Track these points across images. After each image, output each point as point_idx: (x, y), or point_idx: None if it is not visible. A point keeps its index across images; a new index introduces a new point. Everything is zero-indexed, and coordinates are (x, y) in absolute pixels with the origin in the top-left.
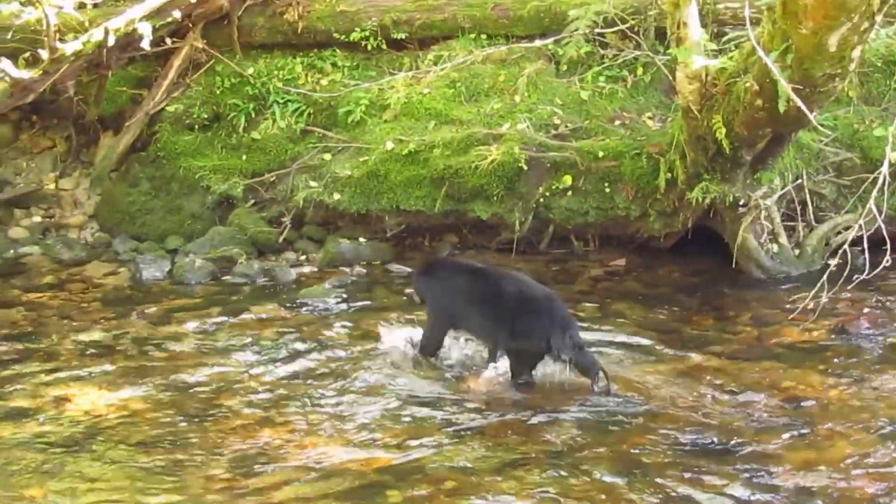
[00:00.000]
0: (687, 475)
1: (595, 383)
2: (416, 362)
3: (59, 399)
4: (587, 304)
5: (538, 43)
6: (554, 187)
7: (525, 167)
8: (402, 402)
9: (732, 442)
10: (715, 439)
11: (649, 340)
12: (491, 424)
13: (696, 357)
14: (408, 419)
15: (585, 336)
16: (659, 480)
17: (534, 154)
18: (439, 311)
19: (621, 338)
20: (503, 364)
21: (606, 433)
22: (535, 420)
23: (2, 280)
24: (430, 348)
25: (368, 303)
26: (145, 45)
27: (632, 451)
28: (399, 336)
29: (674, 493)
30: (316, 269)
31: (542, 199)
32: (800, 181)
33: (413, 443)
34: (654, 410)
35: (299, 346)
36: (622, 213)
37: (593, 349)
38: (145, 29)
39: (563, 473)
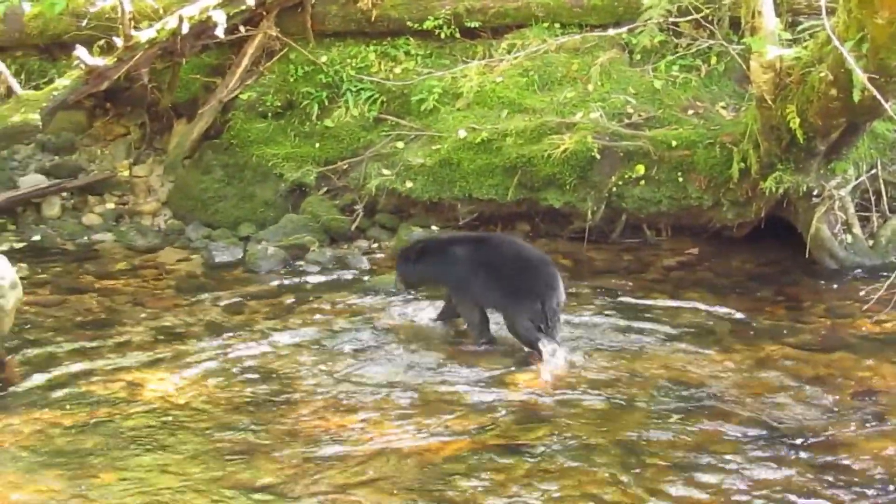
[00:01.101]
0: (758, 464)
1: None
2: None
3: (131, 385)
4: (659, 294)
5: (612, 32)
6: (627, 176)
7: (598, 156)
8: (470, 387)
9: (805, 431)
10: (787, 429)
11: (722, 330)
12: (560, 410)
13: (768, 347)
14: (477, 404)
15: (657, 326)
16: (731, 467)
17: (606, 143)
18: (464, 290)
19: (694, 327)
20: (560, 354)
21: (678, 421)
22: (604, 406)
23: (76, 266)
24: (478, 331)
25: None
26: (219, 32)
27: (702, 439)
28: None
29: (748, 480)
30: (388, 257)
31: (614, 189)
32: (874, 171)
33: (482, 428)
34: (726, 399)
35: (370, 333)
36: (695, 203)
37: (665, 338)
38: (219, 17)
39: (632, 461)
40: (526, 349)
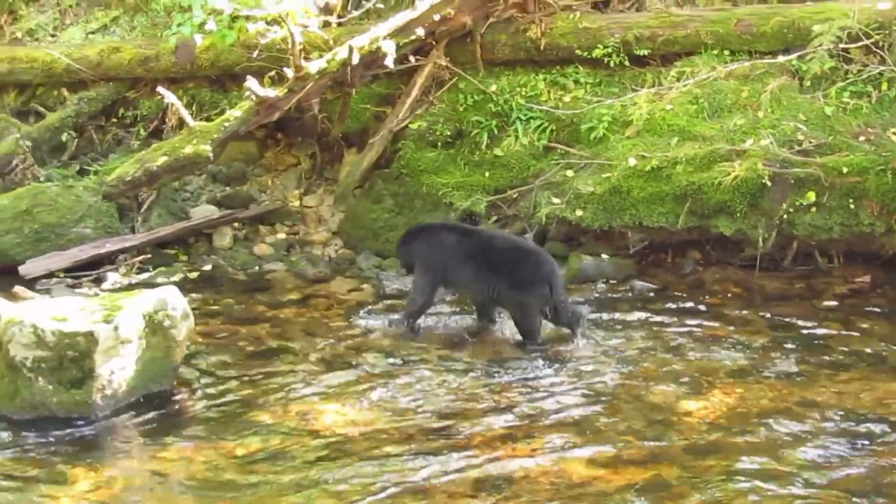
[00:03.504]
0: None
1: (577, 336)
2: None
3: (302, 414)
4: (832, 322)
5: (781, 59)
6: (797, 203)
7: (768, 183)
8: (647, 422)
9: None
10: None
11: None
12: (731, 441)
13: None
14: (647, 432)
15: (830, 354)
16: None
17: (777, 170)
18: (429, 269)
19: (866, 355)
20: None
21: (850, 451)
22: (775, 435)
23: (248, 296)
24: (417, 308)
25: (611, 320)
26: (389, 62)
27: (876, 472)
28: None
29: None
30: None
31: (785, 216)
32: None
33: (656, 457)
34: None
35: (544, 362)
36: (867, 230)
37: (838, 366)
38: (389, 47)
39: (813, 489)
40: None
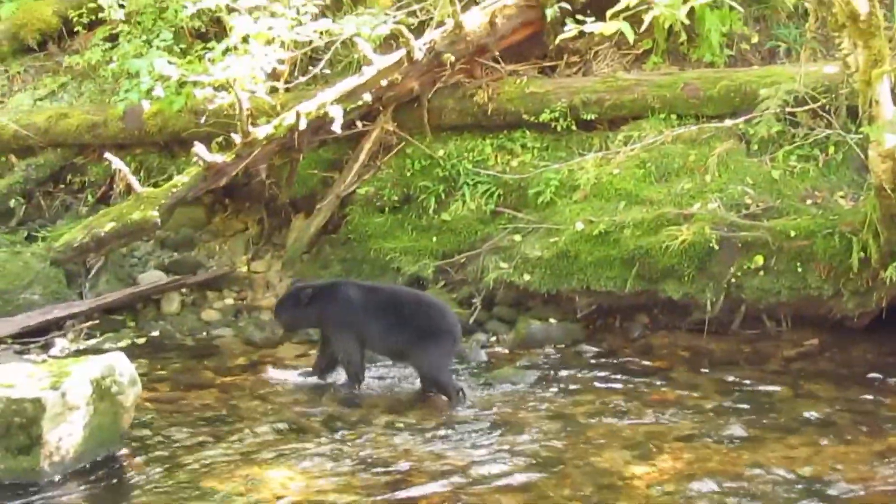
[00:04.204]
0: None
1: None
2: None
3: (251, 479)
4: (780, 384)
5: (729, 122)
6: (746, 267)
7: (716, 247)
8: (595, 486)
9: None
10: None
11: (844, 421)
12: None
13: (892, 438)
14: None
15: (778, 417)
16: None
17: (725, 234)
18: (348, 331)
19: (815, 418)
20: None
21: None
22: (725, 499)
23: (195, 361)
24: (355, 371)
25: (560, 384)
26: (336, 128)
27: None
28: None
29: None
30: (507, 350)
31: (733, 279)
32: None
33: None
34: (852, 491)
35: (491, 426)
36: (815, 293)
37: (786, 430)
38: (336, 112)
39: None
40: (433, 391)
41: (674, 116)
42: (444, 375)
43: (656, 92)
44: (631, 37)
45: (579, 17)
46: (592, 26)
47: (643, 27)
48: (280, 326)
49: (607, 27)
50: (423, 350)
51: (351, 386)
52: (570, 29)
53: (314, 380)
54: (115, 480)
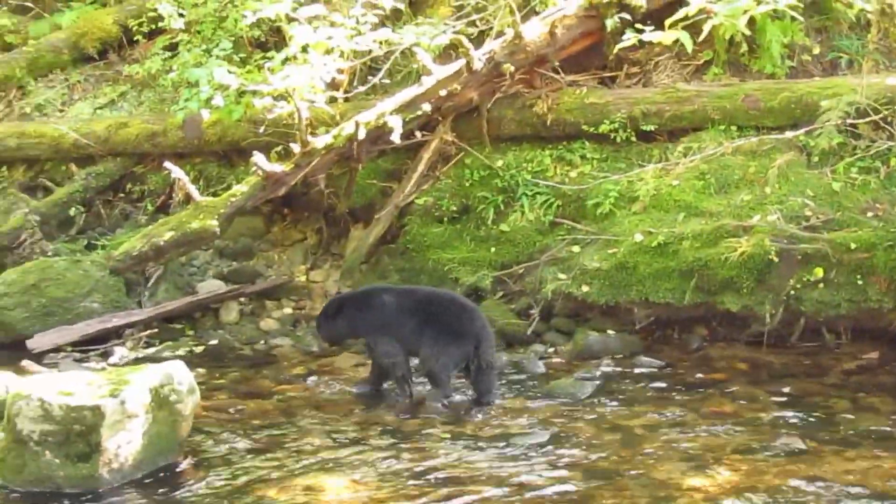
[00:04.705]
0: None
1: (486, 405)
2: None
3: (308, 489)
4: (838, 398)
5: (789, 134)
6: (805, 279)
7: (776, 259)
8: (652, 498)
9: None
10: None
11: None
12: None
13: None
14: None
15: (837, 431)
16: None
17: (784, 246)
18: (383, 335)
19: (874, 432)
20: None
21: None
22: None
23: (253, 371)
24: (402, 374)
25: (617, 396)
26: (395, 137)
27: None
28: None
29: None
30: (564, 361)
31: (792, 291)
32: None
33: None
34: None
35: (546, 438)
36: (875, 306)
37: (846, 444)
38: (395, 122)
39: None
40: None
41: (734, 128)
42: (445, 376)
43: (716, 103)
44: (690, 47)
45: (639, 26)
46: (651, 35)
47: (702, 37)
48: (321, 341)
49: (666, 37)
50: (441, 345)
51: (402, 392)
52: (629, 38)
53: (369, 390)
54: (172, 489)
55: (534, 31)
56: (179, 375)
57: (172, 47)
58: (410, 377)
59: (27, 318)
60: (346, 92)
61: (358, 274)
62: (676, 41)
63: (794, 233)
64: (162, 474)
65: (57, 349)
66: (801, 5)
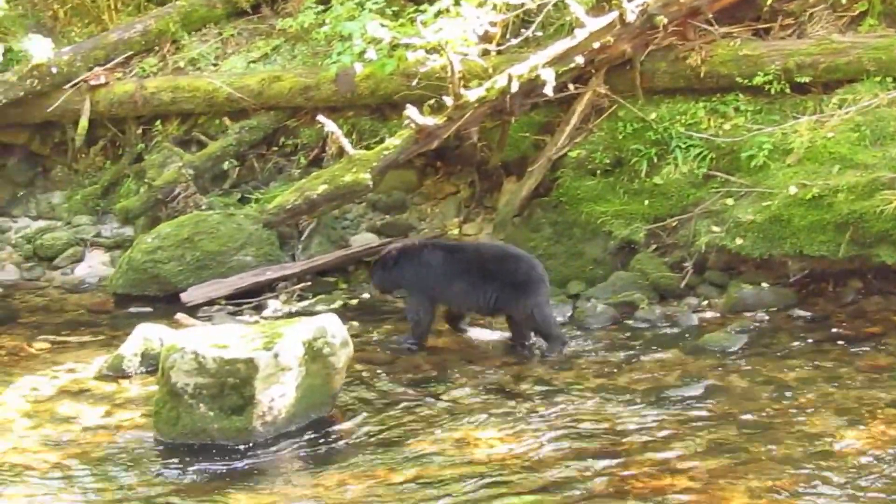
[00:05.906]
0: None
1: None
2: None
3: (460, 442)
4: None
5: None
6: None
7: None
8: (805, 453)
9: None
10: None
11: None
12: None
13: None
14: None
15: None
16: None
17: None
18: (420, 293)
19: None
20: None
21: None
22: None
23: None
24: (421, 332)
25: (771, 349)
26: (548, 90)
27: None
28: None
29: None
30: (718, 315)
31: None
32: None
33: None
34: None
35: (700, 391)
36: None
37: None
38: (548, 75)
39: None
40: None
41: (889, 79)
42: (551, 318)
43: (872, 55)
44: None
45: None
46: None
47: None
48: (375, 289)
49: None
50: (526, 300)
51: (413, 344)
52: None
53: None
54: (325, 441)
55: None
56: (333, 329)
57: (325, 1)
58: (427, 334)
59: (181, 272)
60: (498, 45)
61: (510, 227)
62: None
63: None
64: (314, 427)
65: (210, 302)
66: None
